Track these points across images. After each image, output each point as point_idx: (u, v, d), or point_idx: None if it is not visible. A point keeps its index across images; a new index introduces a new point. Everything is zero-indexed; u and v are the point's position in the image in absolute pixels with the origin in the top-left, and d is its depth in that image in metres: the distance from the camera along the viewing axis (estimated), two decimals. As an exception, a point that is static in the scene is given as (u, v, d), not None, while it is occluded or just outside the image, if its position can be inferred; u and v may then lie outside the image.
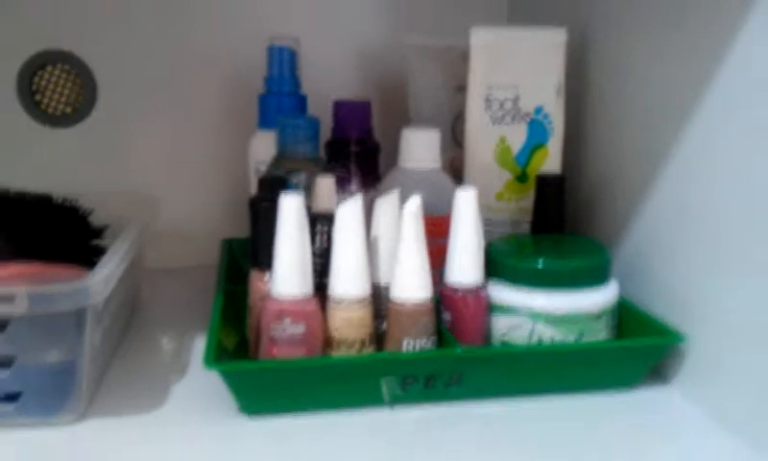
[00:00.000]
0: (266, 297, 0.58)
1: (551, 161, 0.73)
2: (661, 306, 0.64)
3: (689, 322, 0.60)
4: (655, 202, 0.65)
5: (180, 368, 0.64)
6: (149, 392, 0.60)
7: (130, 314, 0.73)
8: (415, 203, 0.57)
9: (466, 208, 0.60)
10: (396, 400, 0.57)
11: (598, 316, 0.61)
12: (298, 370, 0.56)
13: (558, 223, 0.70)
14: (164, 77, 0.86)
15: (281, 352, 0.56)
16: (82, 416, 0.55)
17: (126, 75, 0.85)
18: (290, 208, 0.55)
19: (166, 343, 0.70)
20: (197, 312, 0.73)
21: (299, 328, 0.56)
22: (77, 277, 0.52)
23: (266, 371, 0.56)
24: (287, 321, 0.56)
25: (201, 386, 0.60)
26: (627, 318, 0.64)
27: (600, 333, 0.62)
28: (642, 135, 0.67)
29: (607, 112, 0.73)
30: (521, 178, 0.73)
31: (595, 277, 0.62)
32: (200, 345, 0.67)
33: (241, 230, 0.77)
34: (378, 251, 0.60)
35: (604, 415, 0.57)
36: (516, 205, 0.74)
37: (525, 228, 0.73)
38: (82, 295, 0.51)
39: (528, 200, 0.73)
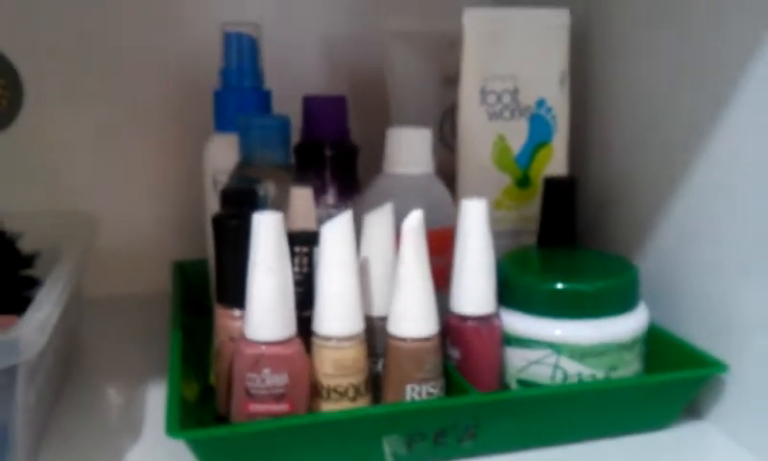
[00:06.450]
0: (238, 339, 0.49)
1: (556, 162, 0.67)
2: (692, 330, 0.58)
3: (728, 348, 0.54)
4: (680, 206, 0.59)
5: (132, 427, 0.56)
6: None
7: (68, 358, 0.65)
8: (416, 218, 0.50)
9: (475, 222, 0.53)
10: (399, 462, 0.50)
11: (630, 346, 0.54)
12: (281, 432, 0.47)
13: (569, 234, 0.63)
14: (102, 75, 0.80)
15: (259, 409, 0.47)
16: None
17: (57, 73, 0.79)
18: (267, 229, 0.46)
19: (114, 395, 0.61)
20: (149, 352, 0.66)
21: (281, 379, 0.47)
22: (4, 325, 0.44)
23: (244, 436, 0.47)
24: (266, 371, 0.47)
25: (159, 450, 0.51)
26: (655, 346, 0.57)
27: (632, 366, 0.55)
28: (665, 127, 0.61)
29: (616, 102, 0.68)
30: (522, 182, 0.66)
31: (625, 299, 0.56)
32: (155, 395, 0.60)
33: (194, 250, 0.75)
34: (369, 276, 0.52)
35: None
36: (518, 213, 0.67)
37: (527, 240, 0.67)
38: (11, 350, 0.43)
39: (530, 207, 0.67)
